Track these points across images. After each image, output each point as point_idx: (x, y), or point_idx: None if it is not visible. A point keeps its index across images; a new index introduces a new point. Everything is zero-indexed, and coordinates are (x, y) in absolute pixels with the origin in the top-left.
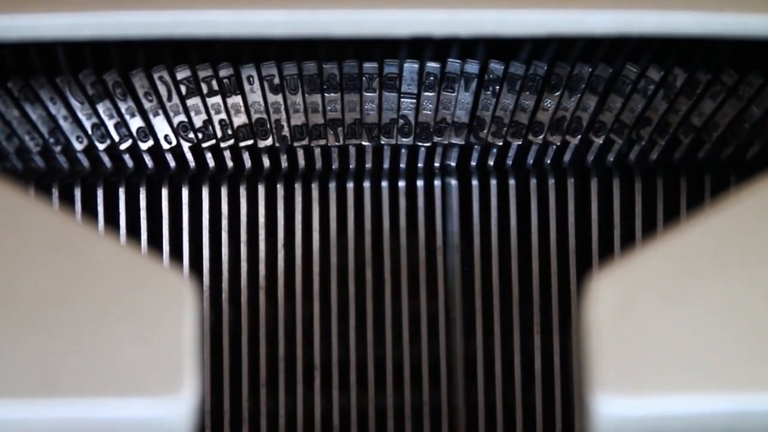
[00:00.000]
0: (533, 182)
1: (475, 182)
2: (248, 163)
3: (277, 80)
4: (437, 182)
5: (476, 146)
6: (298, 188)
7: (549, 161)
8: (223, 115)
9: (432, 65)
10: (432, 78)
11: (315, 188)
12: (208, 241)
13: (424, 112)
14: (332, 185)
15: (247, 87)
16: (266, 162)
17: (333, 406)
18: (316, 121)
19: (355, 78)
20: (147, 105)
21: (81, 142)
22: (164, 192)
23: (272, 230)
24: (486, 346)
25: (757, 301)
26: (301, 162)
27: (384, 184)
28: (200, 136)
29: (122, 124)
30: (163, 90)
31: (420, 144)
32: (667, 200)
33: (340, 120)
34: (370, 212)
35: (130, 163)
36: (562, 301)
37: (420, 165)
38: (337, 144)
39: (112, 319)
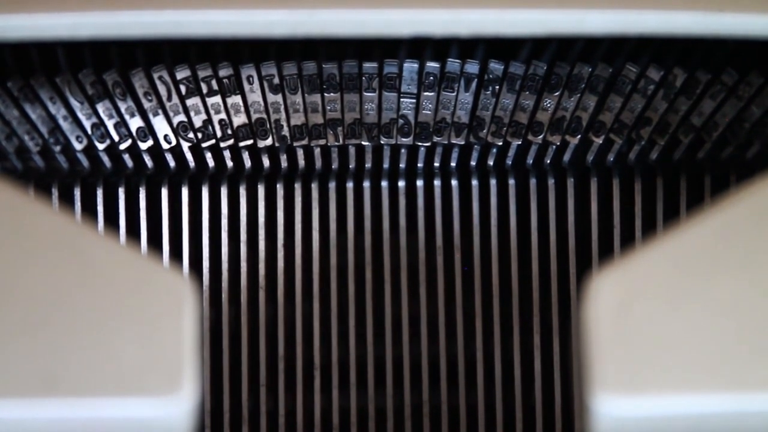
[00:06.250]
0: (533, 182)
1: (475, 182)
2: (248, 163)
3: (276, 80)
4: (437, 182)
5: (476, 146)
6: (297, 188)
7: (549, 161)
8: (223, 115)
9: (432, 65)
10: (432, 78)
11: (315, 188)
12: (208, 241)
13: (423, 112)
14: (332, 185)
15: (246, 87)
16: (266, 162)
17: (333, 406)
18: (315, 121)
19: (354, 78)
20: (147, 105)
21: (81, 142)
22: (164, 192)
23: (272, 230)
24: (486, 346)
25: (757, 301)
26: (301, 162)
27: (384, 184)
28: (200, 136)
29: (122, 124)
30: (162, 90)
31: (420, 144)
32: (667, 200)
33: (339, 120)
34: (370, 212)
35: (129, 163)
36: (562, 301)
37: (420, 165)
38: (336, 144)
39: (112, 319)
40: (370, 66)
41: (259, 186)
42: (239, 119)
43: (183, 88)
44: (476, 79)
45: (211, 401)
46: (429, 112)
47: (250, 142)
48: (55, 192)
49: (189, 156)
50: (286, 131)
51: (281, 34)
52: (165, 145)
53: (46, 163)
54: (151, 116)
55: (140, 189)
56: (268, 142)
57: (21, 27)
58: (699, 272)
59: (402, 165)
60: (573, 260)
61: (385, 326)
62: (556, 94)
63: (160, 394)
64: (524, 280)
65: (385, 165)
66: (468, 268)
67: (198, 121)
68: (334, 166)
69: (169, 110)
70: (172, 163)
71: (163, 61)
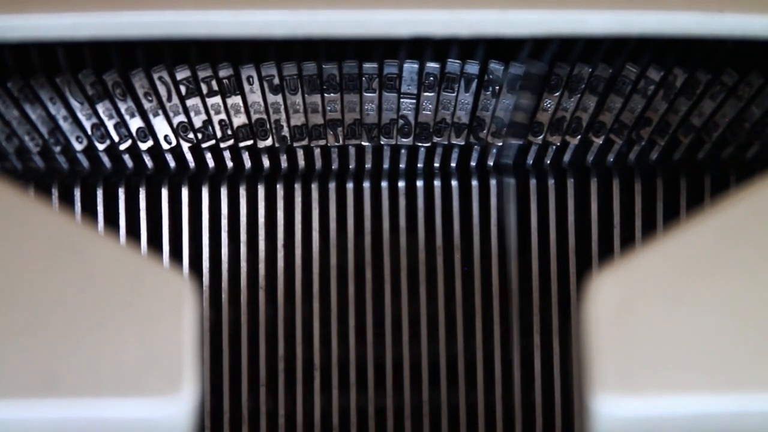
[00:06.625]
0: (533, 182)
1: (475, 182)
2: (248, 164)
3: (276, 80)
4: (437, 182)
5: (476, 146)
6: (297, 188)
7: (549, 161)
8: (223, 116)
9: (432, 65)
10: (432, 78)
11: (315, 188)
12: (208, 241)
13: (423, 112)
14: (332, 185)
15: (246, 87)
16: (266, 162)
17: (332, 406)
18: (315, 122)
19: (354, 78)
20: (147, 105)
21: (81, 143)
22: (164, 192)
23: (272, 230)
24: (486, 346)
25: (757, 301)
26: (301, 162)
27: (384, 184)
28: (200, 136)
29: (122, 125)
30: (162, 90)
31: (420, 144)
32: (667, 200)
33: (339, 120)
34: (369, 212)
35: (129, 163)
36: (562, 301)
37: (420, 165)
38: (336, 144)
39: (112, 320)
40: (370, 66)
41: (259, 186)
42: (239, 119)
43: (183, 89)
44: (476, 80)
45: (211, 401)
46: (429, 113)
47: (250, 142)
48: (55, 192)
49: (189, 156)
50: (286, 132)
51: (281, 34)
52: (165, 146)
53: (46, 163)
54: (151, 116)
55: (140, 189)
56: (268, 142)
57: (21, 27)
58: (699, 272)
59: (402, 165)
60: (573, 260)
61: (385, 326)
62: (557, 94)
63: (160, 394)
64: (524, 280)
65: (385, 165)
66: (468, 268)
67: (198, 121)
68: (334, 166)
69: (169, 110)
70: (172, 164)
71: (163, 62)
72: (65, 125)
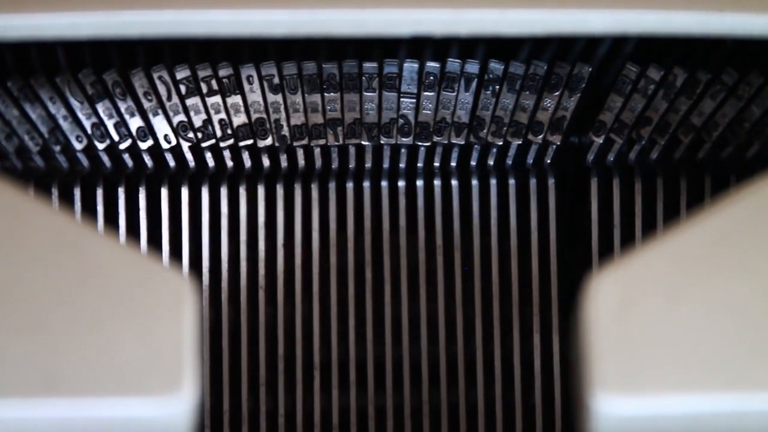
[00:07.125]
0: (533, 182)
1: (475, 182)
2: (248, 163)
3: (276, 80)
4: (437, 182)
5: (476, 146)
6: (297, 188)
7: (548, 161)
8: (223, 115)
9: (432, 65)
10: (432, 78)
11: (315, 188)
12: (208, 241)
13: (423, 111)
14: (332, 185)
15: (246, 87)
16: (266, 162)
17: (332, 406)
18: (315, 121)
19: (354, 78)
20: (146, 105)
21: (81, 142)
22: (164, 192)
23: (272, 230)
24: (486, 346)
25: (757, 301)
26: (301, 162)
27: (384, 183)
28: (200, 135)
29: (122, 124)
30: (162, 90)
31: (420, 144)
32: (667, 200)
33: (339, 120)
34: (369, 212)
35: (129, 162)
36: (562, 301)
37: (420, 165)
38: (336, 144)
39: (111, 319)
40: (370, 66)
41: (259, 186)
42: (239, 119)
43: (183, 88)
44: (476, 79)
45: (211, 401)
46: (429, 112)
47: (250, 141)
48: (55, 192)
49: (189, 156)
50: (286, 131)
51: (281, 34)
52: (165, 145)
53: (46, 162)
54: (151, 116)
55: (140, 189)
56: (268, 142)
57: (21, 27)
58: (699, 272)
59: (402, 165)
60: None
61: (385, 326)
62: (557, 94)
63: (160, 393)
64: (524, 280)
65: (385, 165)
66: (468, 268)
67: (198, 120)
68: (334, 165)
69: (169, 110)
70: (172, 163)
71: (163, 61)
72: (65, 125)
